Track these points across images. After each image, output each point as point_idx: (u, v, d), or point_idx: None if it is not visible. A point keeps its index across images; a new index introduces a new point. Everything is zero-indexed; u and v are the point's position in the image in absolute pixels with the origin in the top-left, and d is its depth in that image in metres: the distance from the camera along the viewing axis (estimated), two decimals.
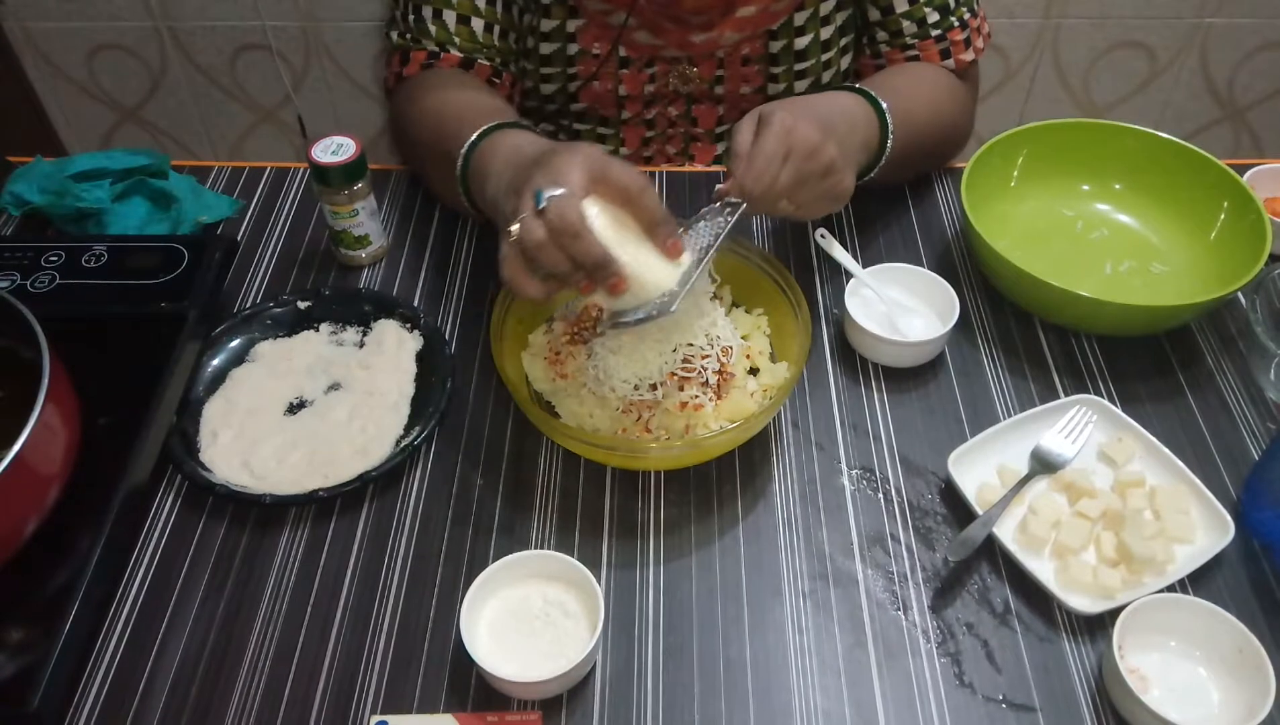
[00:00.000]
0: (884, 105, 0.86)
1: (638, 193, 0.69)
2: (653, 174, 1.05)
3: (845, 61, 1.04)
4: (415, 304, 0.91)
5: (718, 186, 0.76)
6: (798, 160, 0.75)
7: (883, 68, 1.02)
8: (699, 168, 1.08)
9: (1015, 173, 0.99)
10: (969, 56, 1.00)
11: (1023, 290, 0.89)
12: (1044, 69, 1.85)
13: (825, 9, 1.00)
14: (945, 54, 0.99)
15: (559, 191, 0.66)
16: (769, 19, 0.98)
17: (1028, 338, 0.89)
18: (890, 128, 0.86)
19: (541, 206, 0.66)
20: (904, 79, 0.98)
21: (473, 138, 0.82)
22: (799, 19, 0.99)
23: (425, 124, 0.93)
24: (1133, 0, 1.75)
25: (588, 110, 1.06)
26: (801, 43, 1.00)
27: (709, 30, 0.99)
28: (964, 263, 0.96)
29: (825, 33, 1.01)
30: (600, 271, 0.67)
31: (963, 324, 0.88)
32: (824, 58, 1.02)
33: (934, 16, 0.98)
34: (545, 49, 1.00)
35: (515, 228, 0.67)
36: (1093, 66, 1.84)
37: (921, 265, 0.92)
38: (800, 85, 1.02)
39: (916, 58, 1.00)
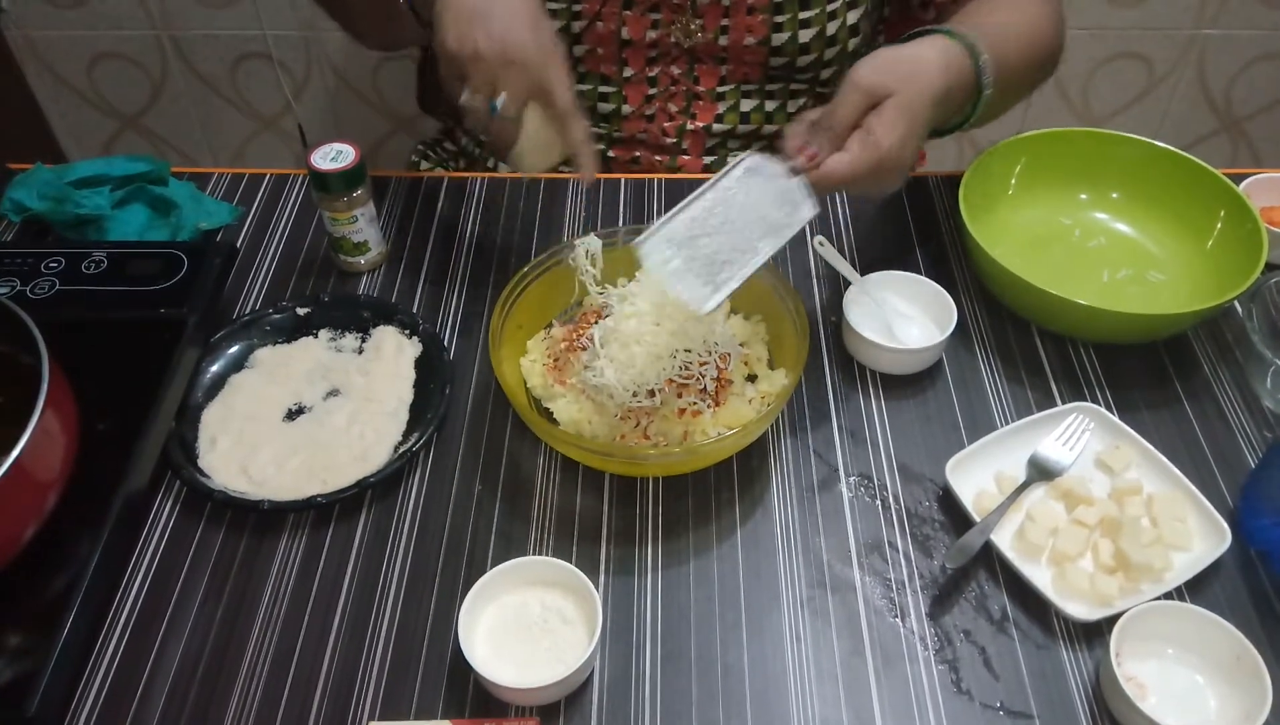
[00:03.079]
0: (982, 60, 0.84)
1: (565, 116, 0.78)
2: (648, 181, 1.05)
3: (853, 15, 1.03)
4: (414, 310, 0.91)
5: (793, 146, 0.78)
6: (879, 173, 0.77)
7: (927, 3, 1.03)
8: (687, 176, 1.08)
9: (1013, 181, 0.99)
10: None
11: (1020, 298, 0.89)
12: None
13: None
14: None
15: (510, 106, 0.76)
16: None
17: (1025, 345, 0.90)
18: (985, 83, 0.85)
19: (494, 113, 0.76)
20: (995, 14, 0.95)
21: None
22: None
23: None
24: (1131, 11, 1.76)
25: (590, 67, 1.05)
26: None
27: None
28: (962, 270, 0.96)
29: None
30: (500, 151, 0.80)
31: (960, 332, 0.89)
32: (830, 8, 1.01)
33: None
34: None
35: (464, 102, 0.78)
36: (1091, 77, 1.85)
37: (919, 273, 0.92)
38: (805, 35, 1.01)
39: None
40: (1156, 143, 0.97)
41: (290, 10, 1.73)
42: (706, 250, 0.73)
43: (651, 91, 1.07)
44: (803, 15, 1.00)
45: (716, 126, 1.08)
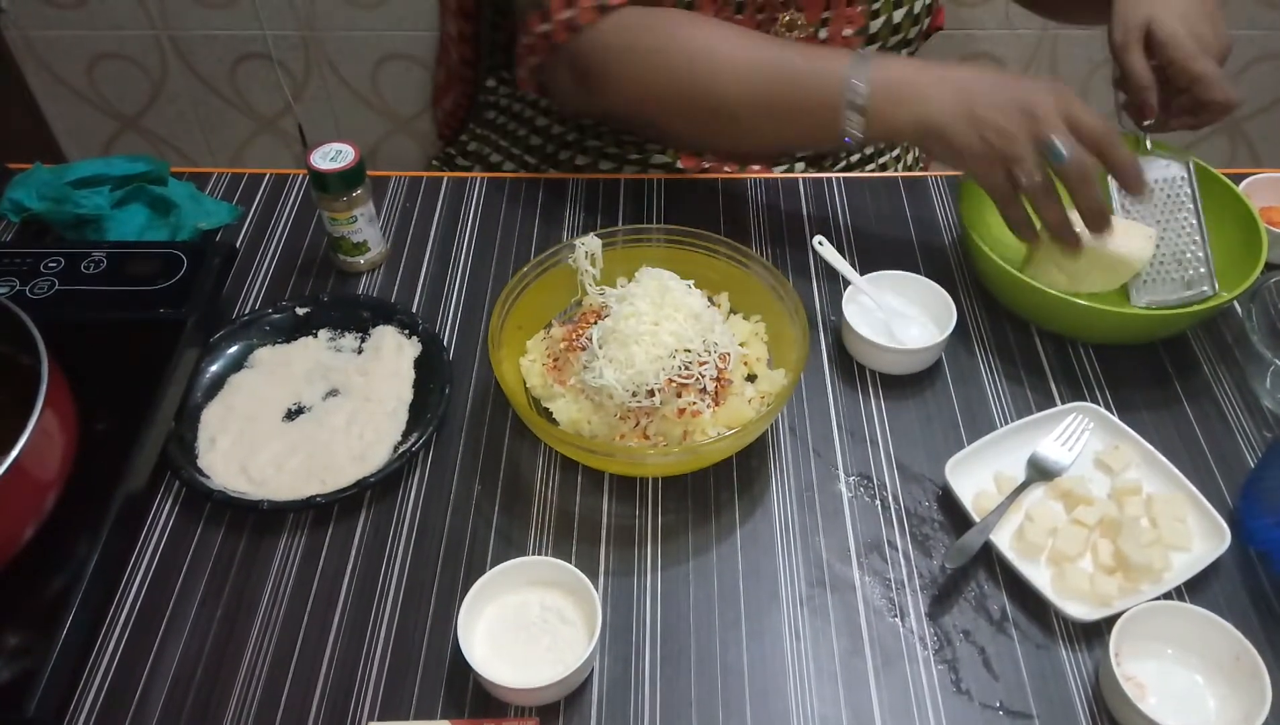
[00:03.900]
0: None
1: (1108, 145, 0.77)
2: (649, 181, 1.05)
3: None
4: (414, 310, 0.91)
5: (1145, 124, 0.87)
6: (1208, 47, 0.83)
7: None
8: (760, 174, 1.07)
9: None
10: None
11: (1019, 298, 0.89)
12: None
13: None
14: None
15: (1070, 143, 0.75)
16: None
17: (1025, 345, 0.90)
18: None
19: (1062, 156, 0.75)
20: None
21: (857, 66, 0.82)
22: None
23: (737, 68, 0.87)
24: None
25: None
26: None
27: None
28: (961, 270, 0.96)
29: None
30: (1100, 221, 0.80)
31: (960, 331, 0.89)
32: None
33: None
34: None
35: (1022, 177, 0.77)
36: (1090, 77, 1.84)
37: (919, 272, 0.92)
38: (898, 15, 1.02)
39: None
40: (1133, 133, 0.96)
41: (290, 10, 1.73)
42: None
43: None
44: None
45: (776, 173, 1.08)
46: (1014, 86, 0.78)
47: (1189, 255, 0.89)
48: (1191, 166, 0.91)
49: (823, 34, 1.02)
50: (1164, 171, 0.92)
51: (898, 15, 1.02)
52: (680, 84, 0.89)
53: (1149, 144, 0.93)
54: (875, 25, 1.02)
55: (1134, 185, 0.80)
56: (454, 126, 1.27)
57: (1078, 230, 0.82)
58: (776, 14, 1.00)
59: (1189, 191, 0.90)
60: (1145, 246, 0.87)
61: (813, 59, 0.85)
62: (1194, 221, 0.89)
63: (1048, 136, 0.76)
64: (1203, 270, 0.88)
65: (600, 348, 0.76)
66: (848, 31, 1.02)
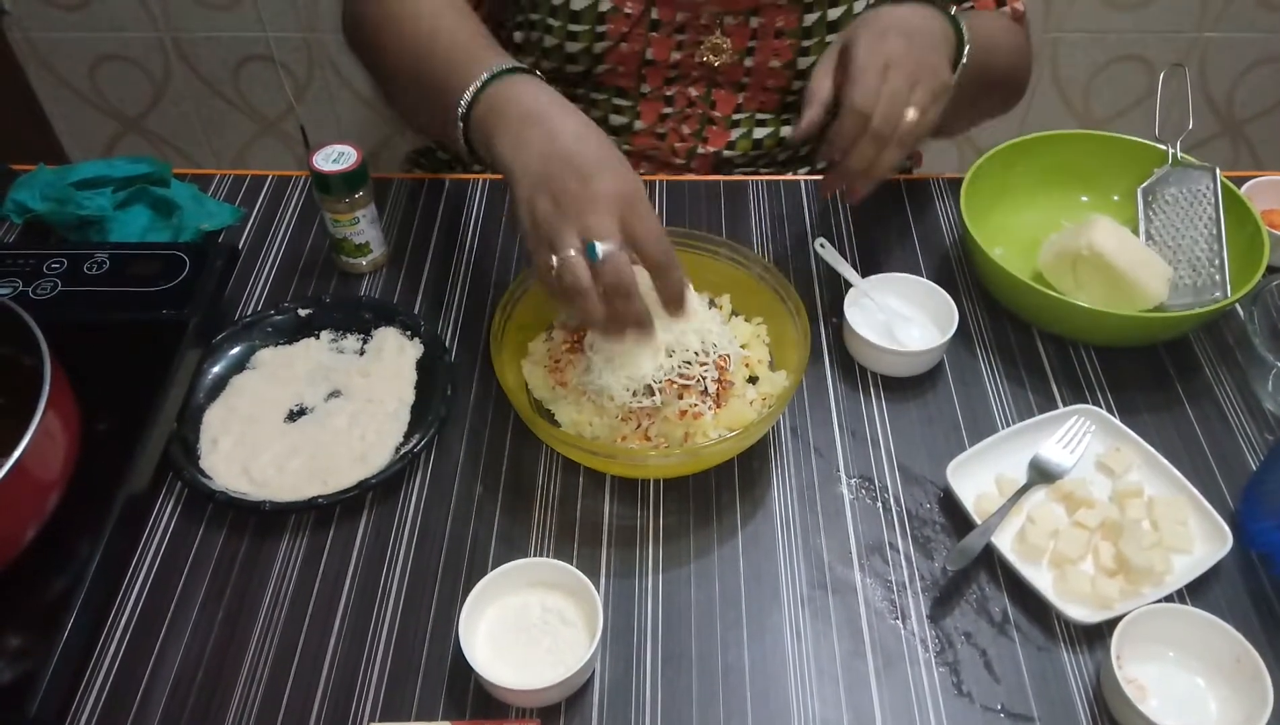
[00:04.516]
0: (959, 18, 0.86)
1: (659, 265, 0.69)
2: (650, 184, 1.05)
3: None
4: (415, 312, 0.91)
5: (796, 132, 0.78)
6: (900, 65, 0.75)
7: None
8: (698, 177, 1.08)
9: (1014, 183, 0.99)
10: (1021, 6, 1.01)
11: (1021, 300, 0.89)
12: (1043, 82, 1.85)
13: None
14: (1000, 0, 1.00)
15: (612, 245, 0.67)
16: None
17: (1026, 348, 0.90)
18: (966, 41, 0.85)
19: (597, 257, 0.67)
20: (972, 18, 0.95)
21: (476, 86, 0.76)
22: None
23: (399, 40, 0.87)
24: (1131, 14, 1.76)
25: (606, 81, 1.04)
26: (835, 14, 0.99)
27: None
28: (963, 273, 0.96)
29: (858, 5, 1.00)
30: (639, 330, 0.70)
31: (961, 334, 0.89)
32: None
33: None
34: (577, 3, 0.97)
35: (555, 264, 0.67)
36: (1092, 80, 1.85)
37: (920, 275, 0.92)
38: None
39: (971, 7, 1.00)
40: (1158, 145, 0.97)
41: (292, 12, 1.73)
42: None
43: (666, 111, 1.07)
44: (830, 39, 1.00)
45: (727, 152, 1.08)
46: (588, 169, 0.68)
47: (1204, 263, 0.89)
48: (1217, 178, 0.91)
49: (748, 62, 1.02)
50: (1191, 182, 0.93)
51: None
52: (381, 38, 0.89)
53: (1178, 155, 0.93)
54: (805, 63, 1.02)
55: (672, 307, 0.71)
56: None
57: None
58: (700, 37, 1.00)
59: (1213, 201, 0.91)
60: (1161, 287, 0.88)
61: (467, 54, 0.80)
62: (1214, 230, 0.90)
63: (590, 234, 0.67)
64: (1216, 277, 0.88)
65: (602, 349, 0.76)
66: (774, 64, 1.02)
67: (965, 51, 0.85)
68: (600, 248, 0.66)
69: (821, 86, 0.79)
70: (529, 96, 0.74)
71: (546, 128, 0.71)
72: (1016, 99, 1.06)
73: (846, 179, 0.80)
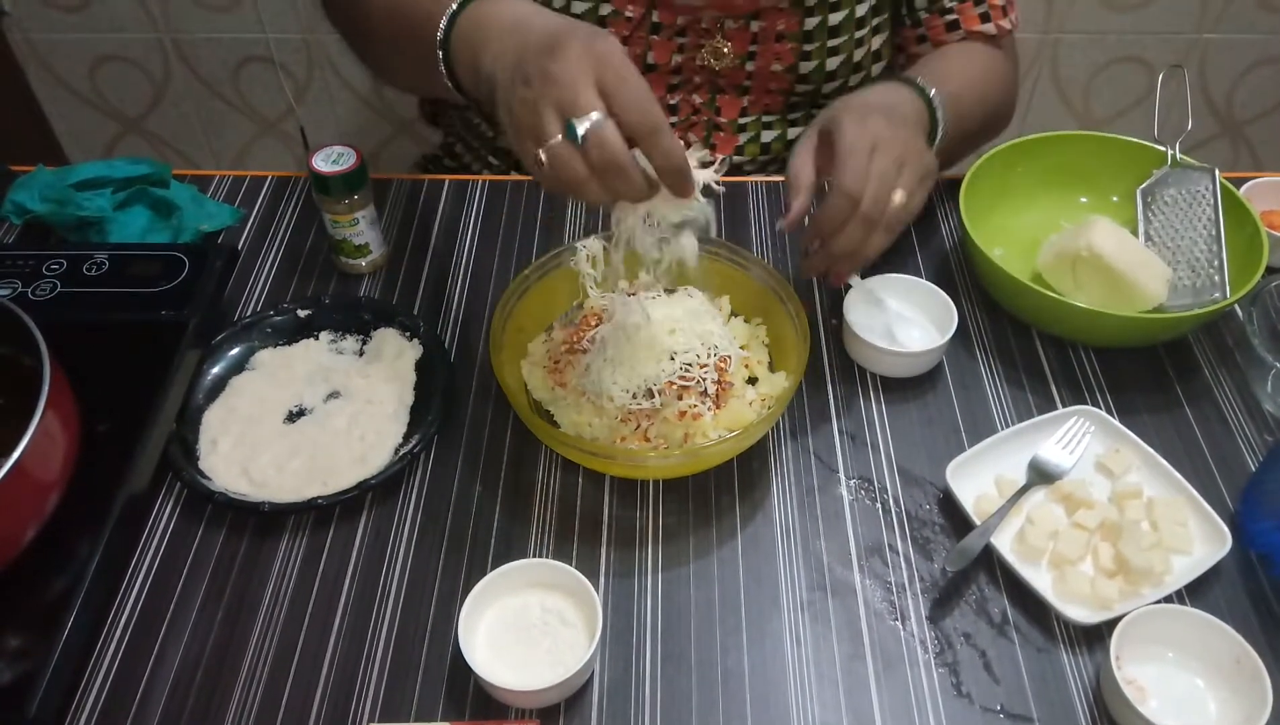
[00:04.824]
0: (932, 94, 0.86)
1: (650, 134, 0.62)
2: None
3: (877, 41, 1.03)
4: (415, 313, 0.91)
5: (785, 223, 0.77)
6: (887, 147, 0.74)
7: (923, 38, 1.02)
8: (761, 177, 1.07)
9: (1014, 184, 0.99)
10: (1008, 24, 1.01)
11: (1021, 301, 0.89)
12: (1043, 83, 1.86)
13: None
14: (985, 17, 1.00)
15: (593, 120, 0.60)
16: None
17: (1026, 349, 0.90)
18: (940, 120, 0.86)
19: (578, 139, 0.61)
20: (948, 64, 0.98)
21: (452, 10, 0.73)
22: None
23: None
24: (1131, 16, 1.76)
25: None
26: (836, 18, 0.99)
27: None
28: (962, 274, 0.96)
29: (860, 9, 1.00)
30: (642, 196, 0.64)
31: (961, 335, 0.89)
32: (858, 35, 1.01)
33: None
34: (577, 7, 0.97)
35: (543, 157, 0.62)
36: (1092, 80, 1.85)
37: (920, 276, 0.92)
38: (832, 62, 1.01)
39: (956, 24, 1.00)
40: (1157, 146, 0.97)
41: (292, 13, 1.73)
42: None
43: (672, 120, 1.06)
44: (831, 43, 1.00)
45: (736, 158, 1.08)
46: (557, 41, 0.63)
47: (1203, 263, 0.89)
48: (1216, 179, 0.91)
49: (750, 66, 1.02)
50: (1190, 183, 0.93)
51: (833, 62, 1.02)
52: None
53: (1177, 156, 0.93)
54: (806, 67, 1.02)
55: (672, 182, 0.64)
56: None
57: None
58: (701, 41, 1.00)
59: (1212, 202, 0.91)
60: (1161, 288, 0.88)
61: None
62: (1213, 231, 0.90)
63: (566, 109, 0.62)
64: (1216, 278, 0.88)
65: (602, 350, 0.76)
66: (776, 67, 1.02)
67: (938, 136, 0.86)
68: (579, 126, 0.60)
69: (804, 171, 0.77)
70: (506, 9, 0.71)
71: (522, 31, 0.67)
72: (1000, 131, 1.07)
73: (832, 262, 0.78)
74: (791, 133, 1.08)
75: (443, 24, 0.73)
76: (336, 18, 0.97)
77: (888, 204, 0.75)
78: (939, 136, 0.87)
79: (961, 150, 0.96)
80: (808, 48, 1.00)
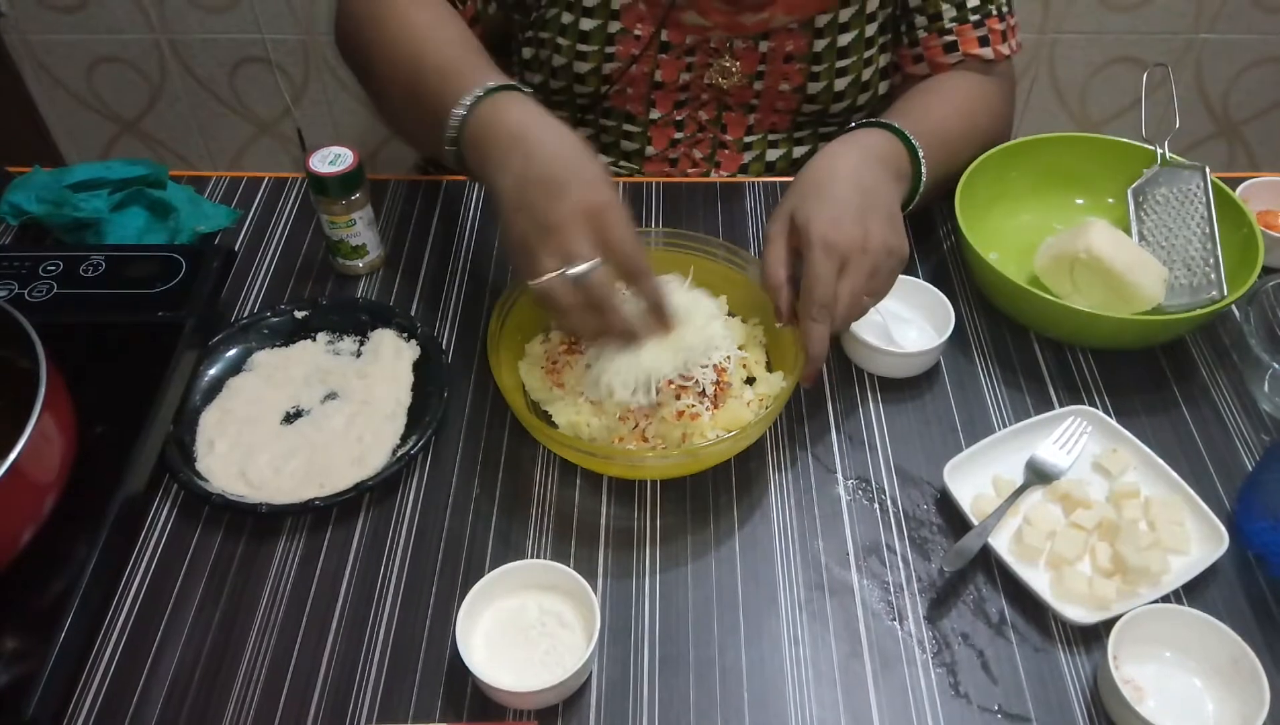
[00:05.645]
0: (920, 153, 0.86)
1: (635, 273, 0.71)
2: (648, 185, 1.05)
3: (884, 59, 1.04)
4: (412, 314, 0.91)
5: (778, 325, 0.79)
6: (856, 262, 0.75)
7: (920, 58, 1.02)
8: (760, 179, 1.08)
9: (1008, 187, 0.99)
10: (1006, 50, 1.00)
11: (1017, 303, 0.89)
12: (1040, 84, 1.86)
13: (871, 5, 0.99)
14: (984, 41, 0.99)
15: (583, 269, 0.68)
16: (821, 4, 0.97)
17: (1023, 349, 0.90)
18: (924, 171, 0.87)
19: (572, 282, 0.69)
20: (935, 96, 0.97)
21: (468, 102, 0.77)
22: (844, 15, 0.98)
23: (391, 60, 0.87)
24: (1127, 16, 1.76)
25: (616, 104, 1.04)
26: (845, 39, 0.99)
27: (760, 11, 0.96)
28: (959, 275, 0.96)
29: (870, 29, 1.00)
30: (625, 340, 0.72)
31: (958, 335, 0.89)
32: (866, 55, 1.01)
33: (973, 1, 0.98)
34: (586, 25, 0.97)
35: (538, 286, 0.69)
36: (1088, 82, 1.85)
37: (917, 277, 0.92)
38: (840, 82, 1.01)
39: (954, 45, 0.99)
40: (1153, 147, 0.97)
41: (289, 15, 1.73)
42: None
43: (678, 136, 1.07)
44: (840, 64, 1.00)
45: (741, 177, 1.08)
46: (558, 187, 0.70)
47: (1199, 262, 0.89)
48: (1207, 177, 0.91)
49: (758, 85, 1.02)
50: (1181, 181, 0.93)
51: (841, 83, 1.02)
52: (372, 51, 0.90)
53: (1166, 155, 0.94)
54: (814, 87, 1.02)
55: (661, 320, 0.73)
56: None
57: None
58: (709, 60, 1.00)
59: (1204, 200, 0.91)
60: (1158, 288, 0.87)
61: (457, 71, 0.81)
62: (1207, 230, 0.90)
63: (568, 258, 0.69)
64: (1212, 275, 0.88)
65: (599, 350, 0.76)
66: (784, 87, 1.02)
67: (921, 187, 0.87)
68: (572, 272, 0.68)
69: (776, 274, 0.78)
70: (512, 118, 0.76)
71: (524, 150, 0.73)
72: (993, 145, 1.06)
73: (814, 366, 0.77)
74: (797, 152, 1.08)
75: (453, 124, 0.78)
76: (352, 68, 0.99)
77: (861, 314, 0.79)
78: (920, 189, 0.88)
79: (951, 182, 0.96)
80: (816, 69, 1.01)
